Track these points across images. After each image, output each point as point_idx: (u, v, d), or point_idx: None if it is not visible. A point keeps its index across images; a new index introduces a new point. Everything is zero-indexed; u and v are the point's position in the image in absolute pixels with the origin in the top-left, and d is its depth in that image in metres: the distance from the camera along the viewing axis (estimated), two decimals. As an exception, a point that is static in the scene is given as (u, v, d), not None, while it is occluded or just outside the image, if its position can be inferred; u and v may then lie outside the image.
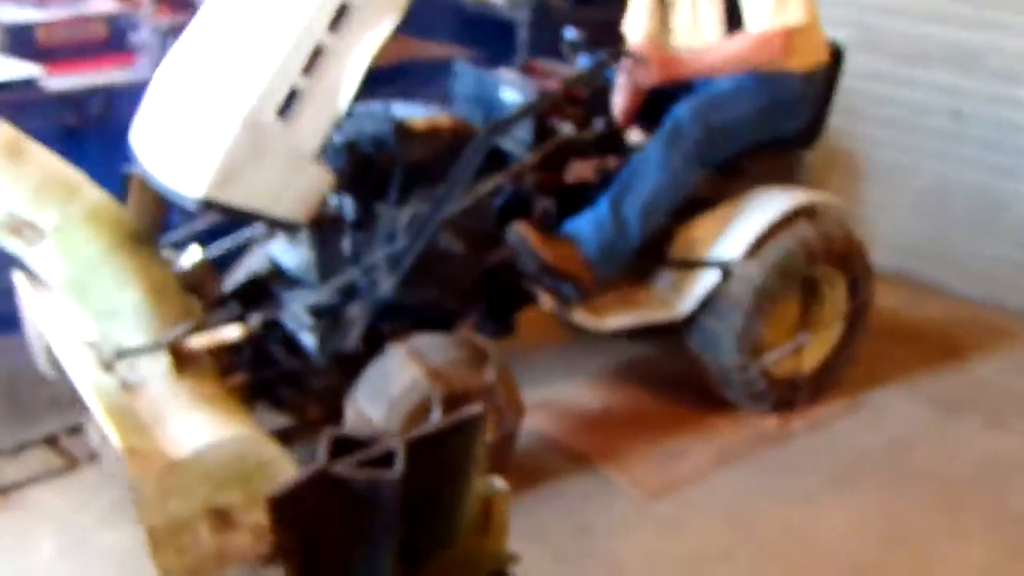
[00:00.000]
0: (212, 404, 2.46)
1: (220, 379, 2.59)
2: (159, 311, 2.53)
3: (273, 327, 2.68)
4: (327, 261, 2.69)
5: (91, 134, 3.53)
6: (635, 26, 3.22)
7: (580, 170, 2.96)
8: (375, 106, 2.85)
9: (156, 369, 2.47)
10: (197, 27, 2.55)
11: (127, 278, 2.48)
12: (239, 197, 2.42)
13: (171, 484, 2.20)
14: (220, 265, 2.89)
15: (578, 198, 2.97)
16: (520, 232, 2.75)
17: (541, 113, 2.81)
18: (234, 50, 2.45)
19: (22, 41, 3.48)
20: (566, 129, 2.75)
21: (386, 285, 2.61)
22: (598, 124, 2.77)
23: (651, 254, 3.09)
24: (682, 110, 2.93)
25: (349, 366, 2.56)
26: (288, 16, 2.39)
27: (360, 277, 2.64)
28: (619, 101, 3.13)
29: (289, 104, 2.41)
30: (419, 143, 2.69)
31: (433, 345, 2.59)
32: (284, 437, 2.62)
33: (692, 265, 3.09)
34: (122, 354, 2.47)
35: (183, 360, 2.51)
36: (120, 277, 2.48)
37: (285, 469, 2.31)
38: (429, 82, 3.42)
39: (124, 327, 2.50)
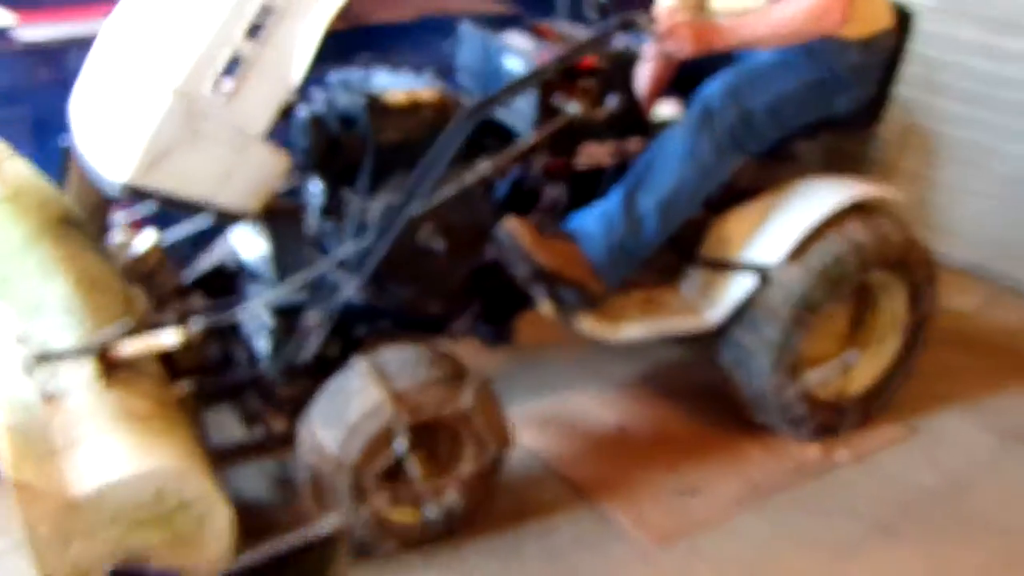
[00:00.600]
0: (139, 424, 2.08)
1: (165, 387, 2.25)
2: (91, 308, 2.18)
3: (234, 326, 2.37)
4: (287, 255, 2.35)
5: (68, 92, 3.21)
6: None
7: (594, 154, 2.51)
8: (353, 75, 2.45)
9: (79, 378, 2.12)
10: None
11: (53, 269, 2.14)
12: (171, 183, 2.07)
13: (72, 526, 1.87)
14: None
15: (594, 187, 2.55)
16: (510, 230, 2.35)
17: (544, 87, 2.37)
18: (171, 11, 2.09)
19: (-10, -14, 3.22)
20: (571, 107, 2.29)
21: (350, 286, 2.24)
22: (611, 101, 2.32)
23: (679, 248, 2.68)
24: (714, 88, 2.50)
25: (320, 373, 2.25)
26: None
27: (325, 275, 2.31)
28: (643, 75, 2.66)
29: (230, 74, 2.06)
30: (394, 121, 2.31)
31: (403, 360, 2.23)
32: (247, 451, 2.38)
33: (725, 266, 2.66)
34: (42, 358, 2.11)
35: (113, 367, 2.15)
36: (44, 268, 2.14)
37: (213, 507, 1.97)
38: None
39: (50, 325, 2.16)
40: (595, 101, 2.45)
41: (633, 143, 2.60)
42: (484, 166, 2.31)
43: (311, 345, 2.29)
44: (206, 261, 2.62)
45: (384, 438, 2.16)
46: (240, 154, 2.13)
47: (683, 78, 2.76)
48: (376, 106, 2.30)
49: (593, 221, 2.49)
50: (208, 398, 2.34)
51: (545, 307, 2.55)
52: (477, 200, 2.39)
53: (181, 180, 2.10)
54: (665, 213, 2.47)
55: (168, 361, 2.27)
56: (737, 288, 2.62)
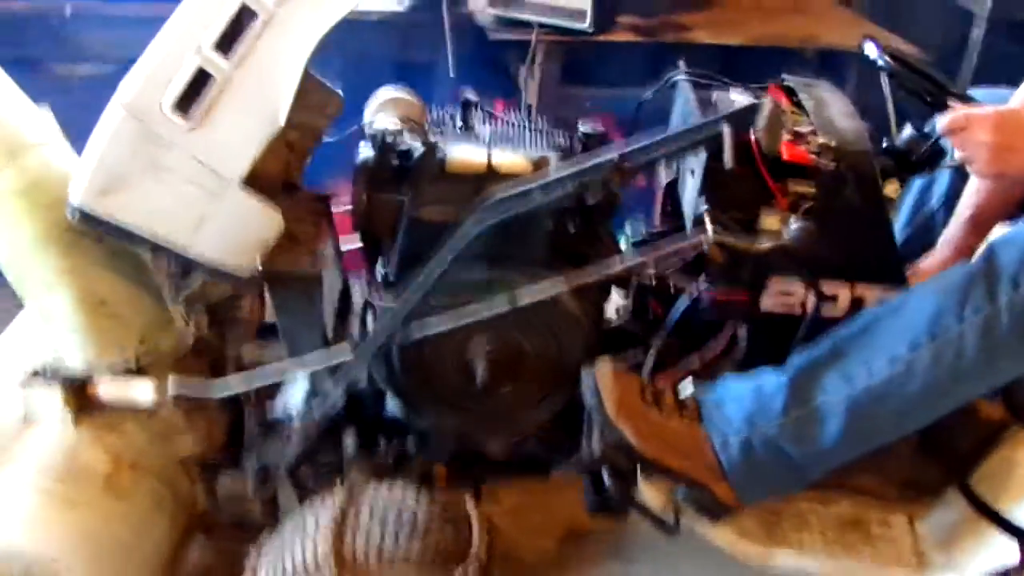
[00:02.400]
0: (66, 485, 1.76)
1: (161, 445, 1.88)
2: (93, 332, 1.84)
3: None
4: (295, 335, 1.79)
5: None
6: None
7: (792, 298, 1.67)
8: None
9: (50, 408, 1.84)
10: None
11: (55, 281, 1.83)
12: (131, 216, 1.61)
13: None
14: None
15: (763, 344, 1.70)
16: (598, 380, 1.61)
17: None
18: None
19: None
20: (707, 234, 1.47)
21: (332, 396, 1.73)
22: (795, 228, 1.44)
23: (941, 448, 1.80)
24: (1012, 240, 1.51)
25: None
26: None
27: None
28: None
29: (196, 92, 1.51)
30: (444, 190, 1.65)
31: (385, 509, 1.66)
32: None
33: (999, 522, 1.69)
34: (35, 375, 1.85)
35: (88, 406, 1.84)
36: (48, 277, 1.84)
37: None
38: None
39: (60, 339, 1.87)
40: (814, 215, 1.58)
41: (867, 292, 1.61)
42: (576, 275, 1.62)
43: (289, 454, 1.76)
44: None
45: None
46: (215, 200, 1.60)
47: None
48: (427, 164, 1.63)
49: (737, 397, 1.64)
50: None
51: (650, 494, 1.73)
52: (563, 321, 1.70)
53: (142, 216, 1.61)
54: (859, 419, 1.56)
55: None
56: (994, 555, 1.68)
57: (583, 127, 1.71)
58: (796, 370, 1.61)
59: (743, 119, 1.50)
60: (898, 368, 1.52)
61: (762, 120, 1.49)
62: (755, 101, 1.54)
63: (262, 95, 1.51)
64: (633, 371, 1.70)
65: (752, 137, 1.54)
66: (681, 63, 1.85)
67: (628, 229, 2.08)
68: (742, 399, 1.63)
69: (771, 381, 1.62)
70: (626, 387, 1.63)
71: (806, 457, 1.59)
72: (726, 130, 1.47)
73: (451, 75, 2.96)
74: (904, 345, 1.52)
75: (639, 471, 1.65)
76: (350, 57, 2.80)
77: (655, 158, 1.53)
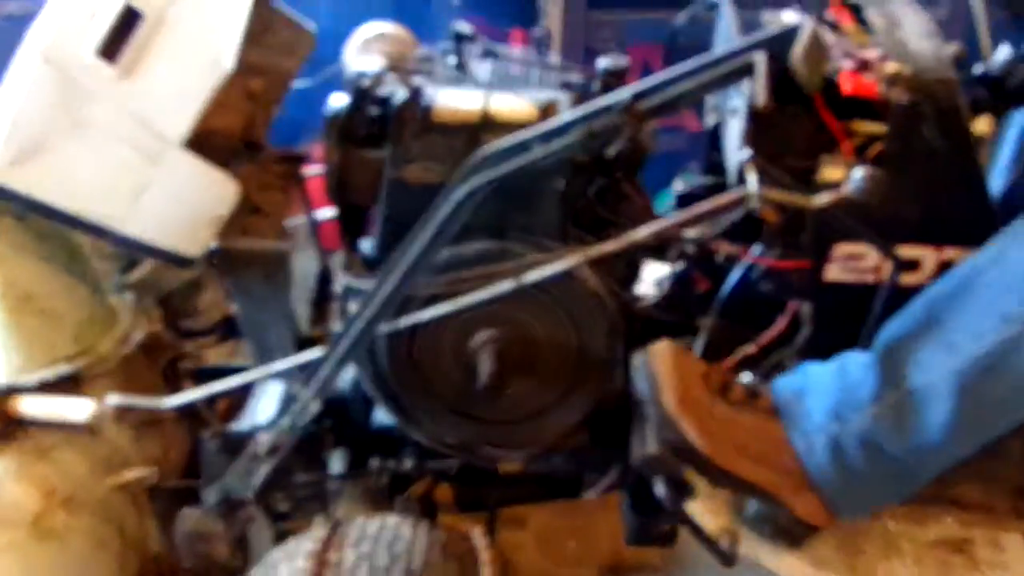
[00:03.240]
0: None
1: (104, 471, 1.95)
2: (23, 339, 1.94)
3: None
4: (260, 329, 1.84)
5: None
6: None
7: (864, 264, 1.67)
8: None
9: None
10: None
11: None
12: (50, 188, 1.63)
13: None
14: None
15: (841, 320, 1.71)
16: (655, 363, 1.63)
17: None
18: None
19: None
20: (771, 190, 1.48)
21: (308, 405, 1.73)
22: (861, 178, 1.45)
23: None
24: None
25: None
26: None
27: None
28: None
29: (123, 36, 1.56)
30: (432, 146, 1.66)
31: (380, 536, 1.68)
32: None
33: None
34: None
35: (12, 424, 1.89)
36: None
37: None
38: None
39: None
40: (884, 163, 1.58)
41: (957, 256, 1.64)
42: (598, 245, 1.63)
43: (255, 479, 1.78)
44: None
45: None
46: (154, 164, 1.63)
47: None
48: (410, 113, 1.64)
49: (819, 385, 1.65)
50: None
51: (704, 514, 1.76)
52: (583, 302, 1.71)
53: (67, 187, 1.63)
54: (970, 398, 1.52)
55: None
56: None
57: (603, 62, 1.71)
58: (884, 345, 1.59)
59: (777, 46, 1.51)
60: (1014, 329, 1.49)
61: (799, 47, 1.50)
62: (793, 23, 1.54)
63: (204, 33, 1.55)
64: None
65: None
66: None
67: (678, 185, 2.10)
68: (825, 388, 1.62)
69: (856, 362, 1.60)
70: (689, 372, 1.62)
71: (911, 454, 1.56)
72: (758, 60, 1.48)
73: (455, 2, 2.97)
74: (1018, 298, 1.49)
75: (700, 481, 1.64)
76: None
77: (676, 97, 1.52)
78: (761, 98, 1.45)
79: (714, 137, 1.97)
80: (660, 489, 1.61)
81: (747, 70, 1.50)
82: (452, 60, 1.81)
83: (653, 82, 1.53)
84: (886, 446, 1.57)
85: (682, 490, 1.62)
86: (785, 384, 1.68)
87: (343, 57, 1.82)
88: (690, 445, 1.59)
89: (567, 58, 1.86)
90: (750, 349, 1.75)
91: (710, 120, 1.98)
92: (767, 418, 1.65)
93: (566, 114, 1.57)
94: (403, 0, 3.09)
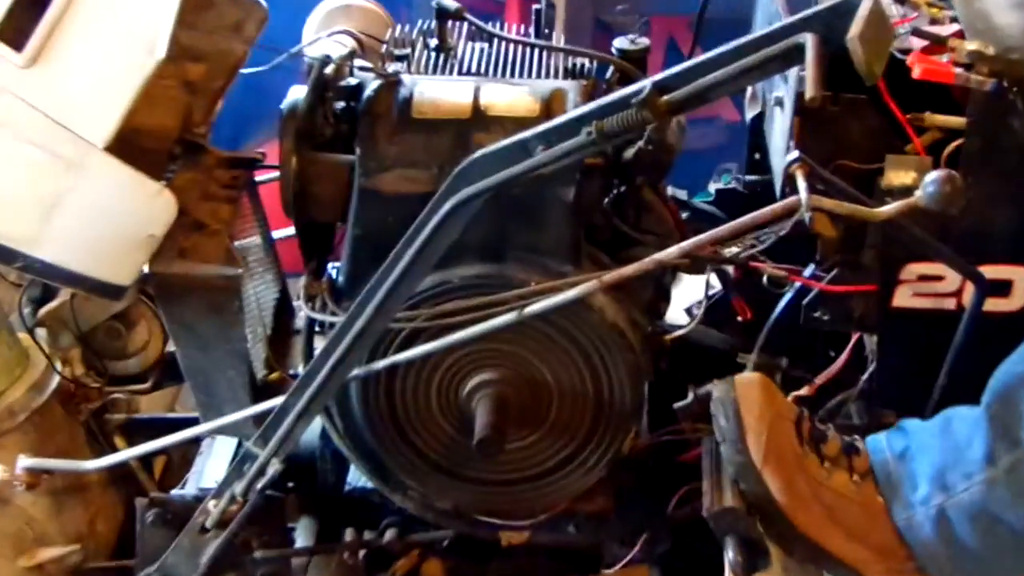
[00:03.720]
0: None
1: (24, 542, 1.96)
2: None
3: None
4: (210, 370, 1.84)
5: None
6: None
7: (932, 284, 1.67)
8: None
9: None
10: None
11: None
12: None
13: None
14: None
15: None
16: (741, 398, 1.63)
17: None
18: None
19: None
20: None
21: (267, 464, 1.71)
22: (936, 183, 1.40)
23: None
24: None
25: None
26: None
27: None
28: None
29: (28, 15, 1.55)
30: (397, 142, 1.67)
31: None
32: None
33: None
34: None
35: None
36: None
37: None
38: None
39: None
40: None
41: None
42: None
43: (202, 558, 1.74)
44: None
45: None
46: (71, 172, 1.61)
47: None
48: (384, 107, 1.63)
49: (922, 444, 1.63)
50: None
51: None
52: (600, 338, 1.70)
53: None
54: None
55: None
56: None
57: (618, 42, 1.70)
58: (995, 395, 1.55)
59: (830, 23, 1.48)
60: None
61: (857, 24, 1.46)
62: None
63: (129, 11, 1.54)
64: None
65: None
66: None
67: (713, 187, 2.10)
68: (928, 449, 1.60)
69: (963, 418, 1.59)
70: (779, 415, 1.60)
71: None
72: (809, 42, 1.43)
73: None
74: None
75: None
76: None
77: (708, 87, 1.49)
78: (812, 88, 1.41)
79: (756, 130, 1.97)
80: (729, 552, 1.60)
81: (794, 54, 1.46)
82: (434, 42, 1.81)
83: (679, 69, 1.48)
84: (1003, 517, 1.55)
85: (755, 555, 1.61)
86: (882, 444, 1.66)
87: (302, 36, 1.79)
88: (773, 503, 1.58)
89: (574, 35, 1.82)
90: (804, 391, 1.74)
91: (751, 110, 1.97)
92: (864, 482, 1.63)
93: (574, 108, 1.55)
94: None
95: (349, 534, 1.92)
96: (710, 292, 1.81)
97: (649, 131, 1.54)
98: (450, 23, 1.82)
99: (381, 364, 1.66)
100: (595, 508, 1.87)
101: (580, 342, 1.68)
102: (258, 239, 1.91)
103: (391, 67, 1.67)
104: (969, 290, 1.62)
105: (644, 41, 1.71)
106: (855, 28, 1.41)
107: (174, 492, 1.89)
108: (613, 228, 1.70)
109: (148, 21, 1.55)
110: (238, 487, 1.71)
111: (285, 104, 1.68)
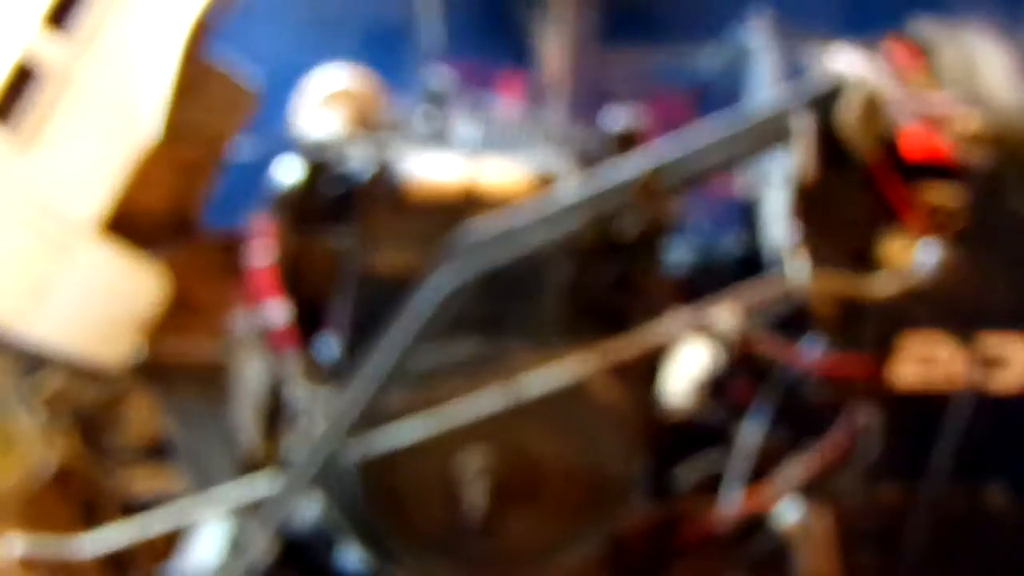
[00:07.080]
0: None
1: None
2: None
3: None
4: (202, 452, 1.89)
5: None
6: None
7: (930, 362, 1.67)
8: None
9: None
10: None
11: None
12: None
13: None
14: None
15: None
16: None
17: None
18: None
19: None
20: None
21: (260, 545, 1.74)
22: (932, 259, 1.49)
23: None
24: None
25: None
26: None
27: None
28: None
29: (19, 98, 1.56)
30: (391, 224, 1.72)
31: None
32: None
33: None
34: None
35: None
36: None
37: None
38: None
39: None
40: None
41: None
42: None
43: None
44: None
45: None
46: (62, 255, 1.64)
47: None
48: (379, 190, 1.66)
49: None
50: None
51: None
52: (597, 416, 1.72)
53: None
54: None
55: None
56: None
57: (615, 121, 1.72)
58: None
59: (822, 104, 1.49)
60: None
61: (850, 106, 1.47)
62: (840, 76, 1.53)
63: (121, 93, 1.55)
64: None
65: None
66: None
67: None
68: None
69: None
70: None
71: None
72: (801, 123, 1.45)
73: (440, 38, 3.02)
74: None
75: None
76: (292, 21, 2.88)
77: (702, 170, 1.50)
78: (807, 170, 1.42)
79: (749, 206, 1.97)
80: None
81: (788, 135, 1.47)
82: (430, 118, 1.83)
83: (674, 153, 1.51)
84: None
85: None
86: None
87: (294, 112, 1.83)
88: None
89: (577, 102, 1.84)
90: (801, 469, 1.73)
91: (744, 186, 1.99)
92: None
93: (569, 191, 1.57)
94: (374, 34, 3.12)
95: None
96: (708, 367, 1.78)
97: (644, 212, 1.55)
98: (445, 100, 1.84)
99: (377, 443, 1.67)
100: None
101: (577, 421, 1.69)
102: (247, 320, 1.91)
103: (386, 145, 1.71)
104: (967, 366, 1.63)
105: (639, 120, 1.74)
106: (848, 109, 1.43)
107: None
108: (611, 303, 1.71)
109: (139, 102, 1.56)
110: (232, 568, 1.74)
111: (278, 183, 1.70)
